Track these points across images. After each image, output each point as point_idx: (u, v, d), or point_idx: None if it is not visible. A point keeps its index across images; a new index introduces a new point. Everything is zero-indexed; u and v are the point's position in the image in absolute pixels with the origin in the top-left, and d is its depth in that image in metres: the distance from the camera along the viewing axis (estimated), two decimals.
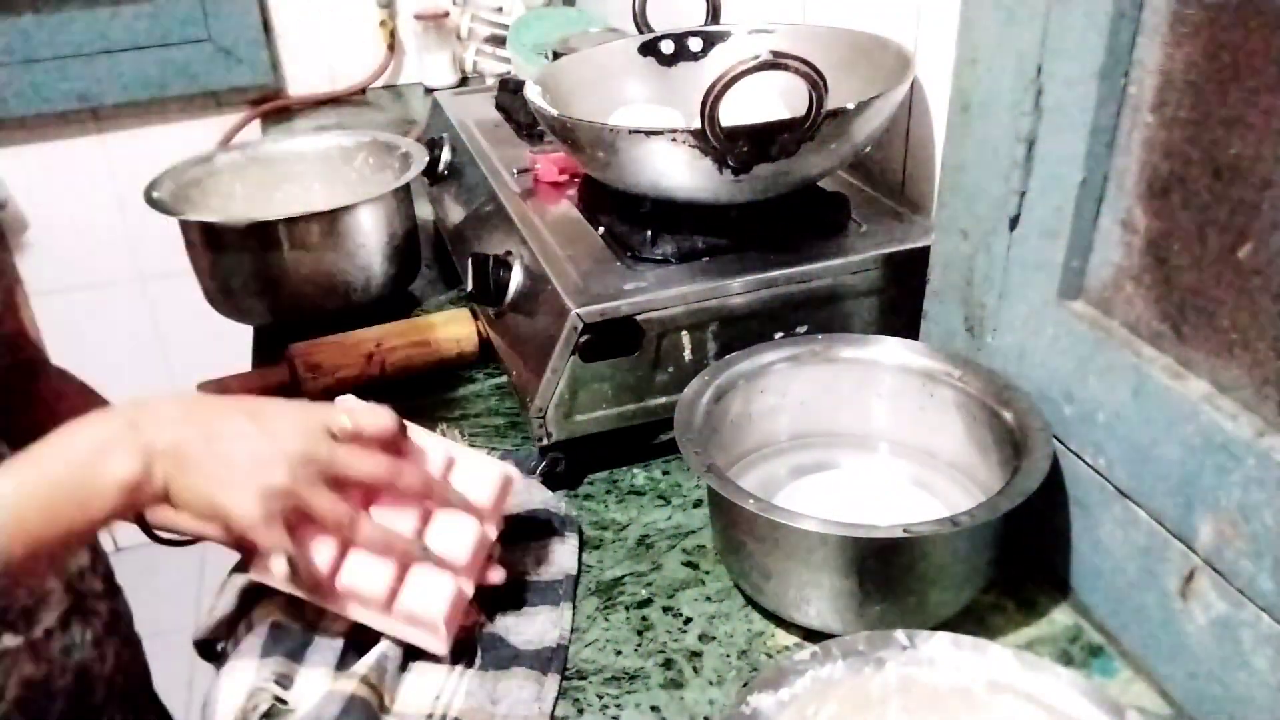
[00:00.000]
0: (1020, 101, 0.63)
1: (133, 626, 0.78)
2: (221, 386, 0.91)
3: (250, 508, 0.54)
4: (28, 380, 0.76)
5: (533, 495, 0.75)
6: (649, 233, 0.82)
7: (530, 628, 0.65)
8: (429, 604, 0.61)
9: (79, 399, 0.76)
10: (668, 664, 0.64)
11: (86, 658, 0.70)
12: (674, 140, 0.74)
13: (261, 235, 0.97)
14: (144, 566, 1.26)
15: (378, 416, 0.59)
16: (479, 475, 0.64)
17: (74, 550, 0.55)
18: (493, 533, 0.66)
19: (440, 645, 0.62)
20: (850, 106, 0.75)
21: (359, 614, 0.63)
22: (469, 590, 0.64)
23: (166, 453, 0.53)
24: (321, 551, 0.59)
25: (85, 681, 0.69)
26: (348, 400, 0.61)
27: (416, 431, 0.64)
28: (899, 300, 0.81)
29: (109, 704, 0.70)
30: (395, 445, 0.61)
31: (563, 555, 0.71)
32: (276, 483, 0.55)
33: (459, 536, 0.63)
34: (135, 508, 0.54)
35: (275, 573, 0.58)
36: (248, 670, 0.63)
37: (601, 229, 0.87)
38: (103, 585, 0.74)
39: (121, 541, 1.89)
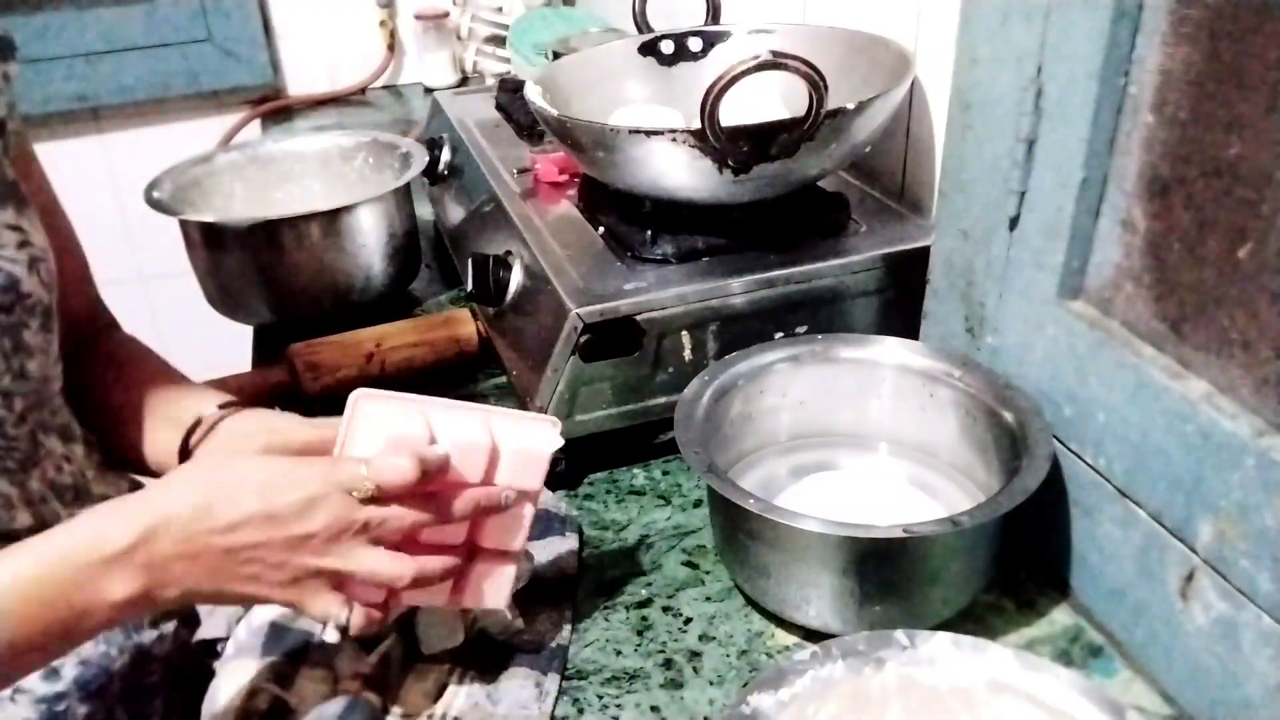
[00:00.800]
0: (1020, 101, 0.63)
1: (193, 605, 0.78)
2: (222, 386, 0.90)
3: (288, 597, 0.53)
4: (98, 339, 0.78)
5: None
6: (649, 233, 0.82)
7: (530, 628, 0.65)
8: (493, 597, 0.60)
9: (142, 362, 0.77)
10: (668, 664, 0.64)
11: (145, 639, 0.70)
12: (674, 140, 0.74)
13: (261, 235, 0.97)
14: None
15: (399, 471, 0.53)
16: (525, 452, 0.59)
17: (63, 653, 0.53)
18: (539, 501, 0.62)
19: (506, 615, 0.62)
20: (850, 106, 0.75)
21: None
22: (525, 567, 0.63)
23: (179, 563, 0.51)
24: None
25: (141, 662, 0.70)
26: (376, 460, 0.54)
27: (449, 411, 0.58)
28: (899, 300, 0.81)
29: (164, 683, 0.71)
30: (427, 492, 0.55)
31: (563, 555, 0.71)
32: (307, 567, 0.52)
33: (513, 528, 0.59)
34: (137, 618, 0.54)
35: (328, 635, 0.54)
36: (248, 670, 0.63)
37: (601, 229, 0.87)
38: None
39: None
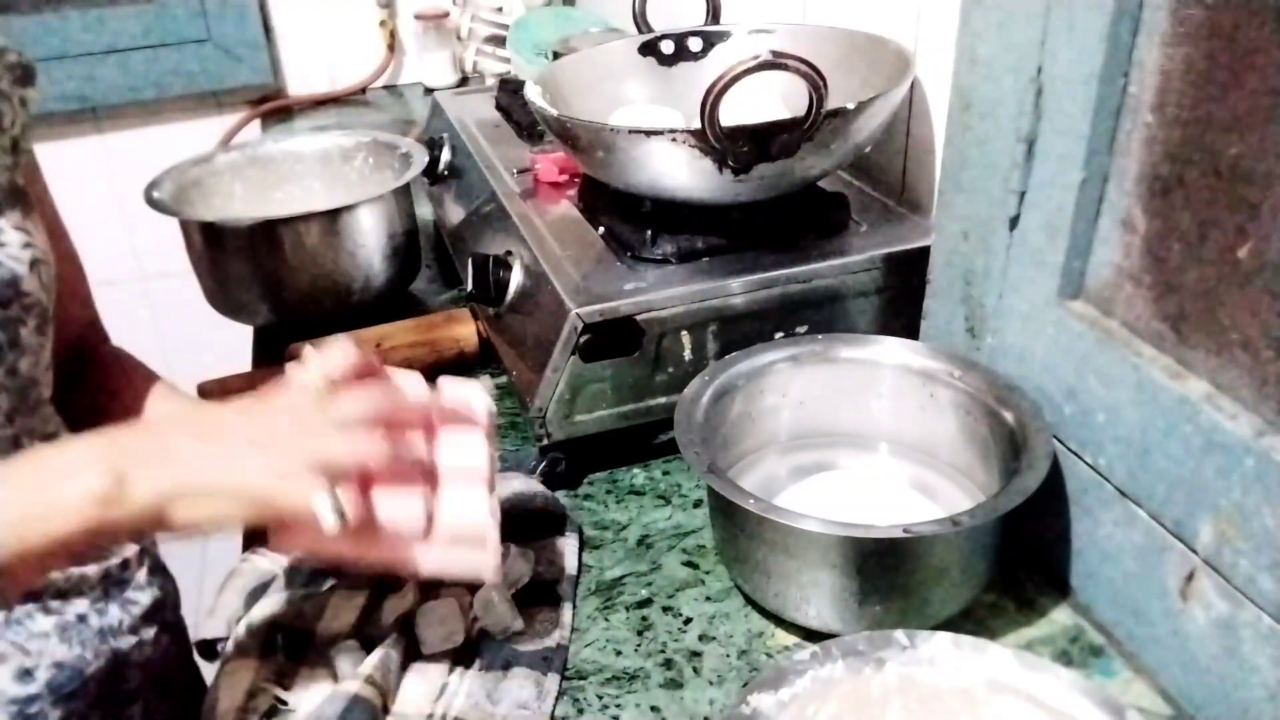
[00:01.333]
0: (1020, 101, 0.63)
1: (178, 611, 0.78)
2: (222, 386, 0.91)
3: (270, 472, 0.51)
4: (94, 355, 0.79)
5: (533, 497, 0.75)
6: (649, 233, 0.82)
7: (530, 628, 0.65)
8: (472, 514, 0.56)
9: (133, 374, 0.77)
10: (668, 664, 0.64)
11: (122, 644, 0.70)
12: (674, 140, 0.74)
13: (261, 235, 0.97)
14: None
15: (342, 354, 0.55)
16: (463, 395, 0.60)
17: (46, 567, 0.53)
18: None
19: (491, 560, 0.57)
20: (850, 106, 0.75)
21: (401, 553, 0.56)
22: (496, 507, 0.59)
23: (146, 458, 0.50)
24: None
25: (118, 668, 0.69)
26: (308, 352, 0.57)
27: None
28: (899, 300, 0.81)
29: (143, 689, 0.71)
30: (372, 376, 0.57)
31: (563, 555, 0.71)
32: (286, 454, 0.51)
33: (471, 448, 0.58)
34: (113, 524, 0.50)
35: (325, 521, 0.50)
36: (248, 670, 0.63)
37: (601, 229, 0.87)
38: (147, 575, 0.74)
39: None
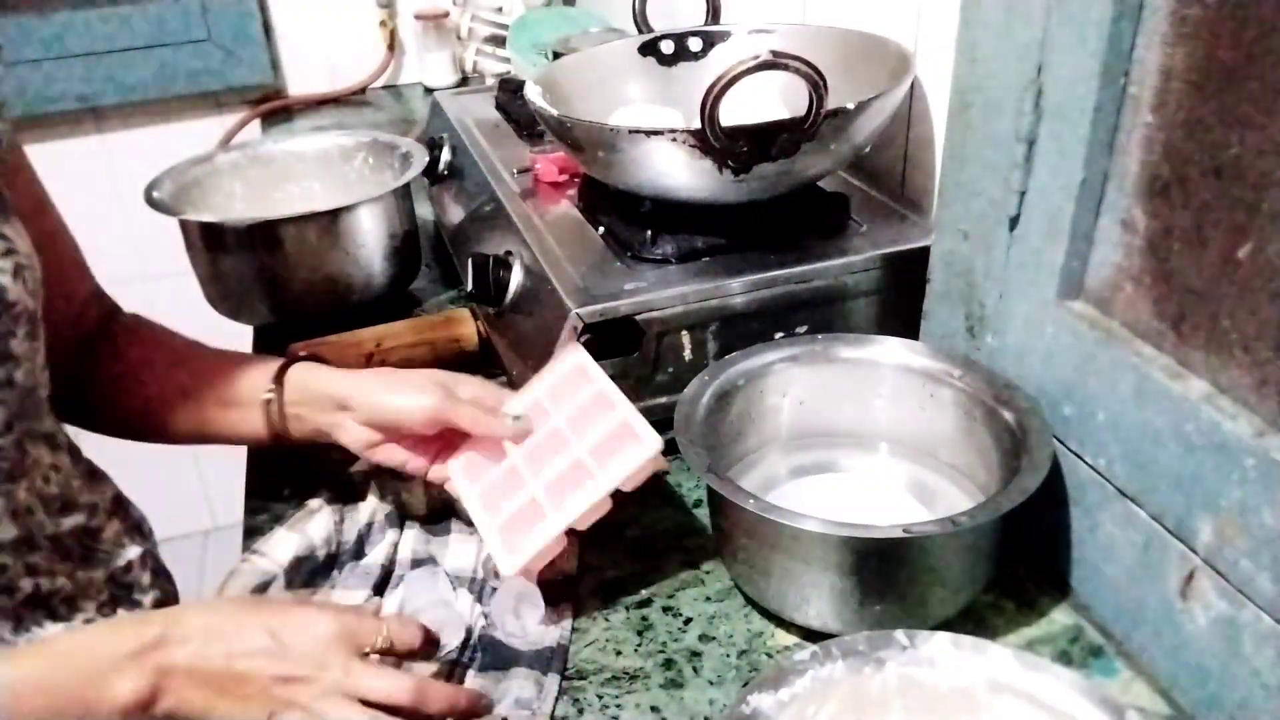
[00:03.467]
0: (1020, 101, 0.63)
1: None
2: None
3: None
4: (108, 330, 0.80)
5: None
6: (649, 233, 0.82)
7: (529, 628, 0.65)
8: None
9: (161, 346, 0.80)
10: (668, 664, 0.64)
11: None
12: (674, 140, 0.74)
13: (261, 235, 0.97)
14: None
15: (410, 635, 0.59)
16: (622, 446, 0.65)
17: None
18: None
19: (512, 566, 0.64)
20: (850, 106, 0.75)
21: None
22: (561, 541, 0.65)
23: (182, 674, 0.54)
24: None
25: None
26: (390, 620, 0.60)
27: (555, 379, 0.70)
28: (899, 300, 0.81)
29: None
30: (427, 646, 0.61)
31: (563, 555, 0.71)
32: (288, 700, 0.55)
33: (576, 496, 0.65)
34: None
35: None
36: None
37: (601, 229, 0.87)
38: (150, 577, 0.75)
39: None
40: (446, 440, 0.73)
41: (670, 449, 0.70)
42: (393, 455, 0.72)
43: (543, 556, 0.65)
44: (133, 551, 0.73)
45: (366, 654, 0.57)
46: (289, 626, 0.56)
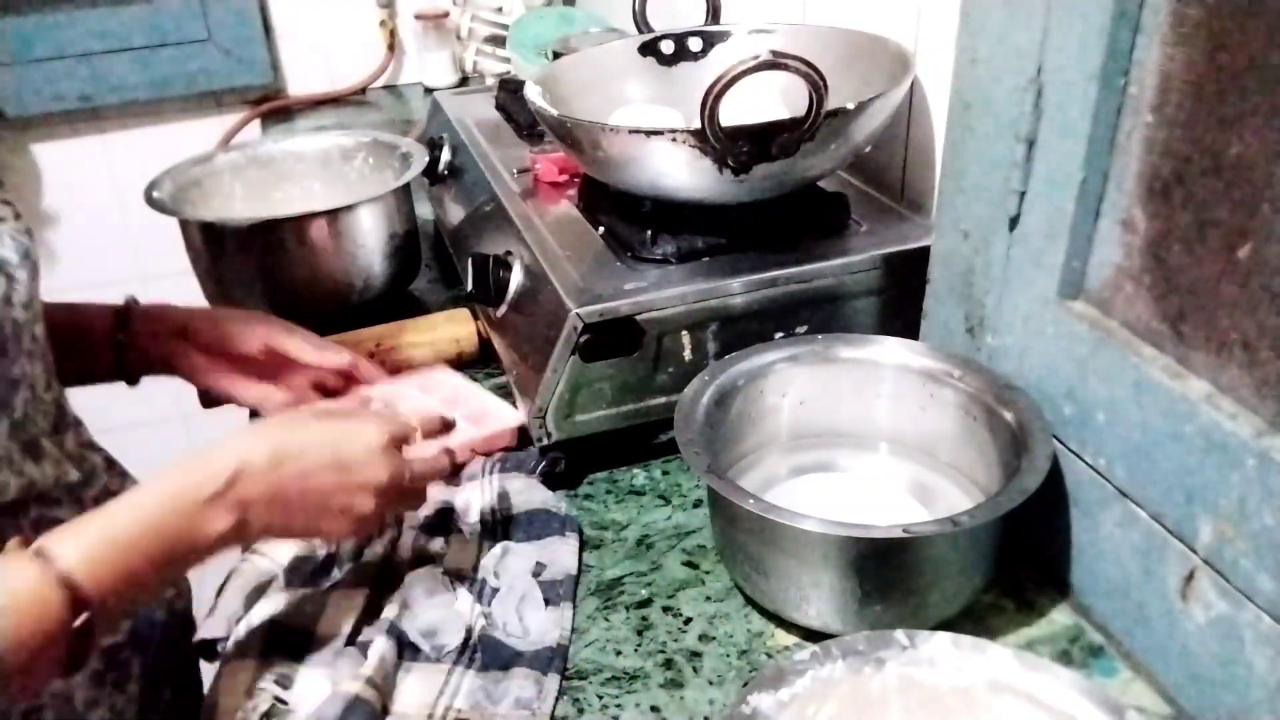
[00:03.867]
0: (1020, 101, 0.63)
1: (188, 600, 0.83)
2: None
3: (345, 531, 0.64)
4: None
5: (533, 495, 0.75)
6: (649, 233, 0.82)
7: (530, 628, 0.65)
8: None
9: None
10: (668, 664, 0.64)
11: (168, 593, 0.76)
12: (674, 140, 0.74)
13: (261, 235, 0.97)
14: None
15: (432, 422, 0.72)
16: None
17: (173, 583, 0.63)
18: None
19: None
20: (850, 106, 0.75)
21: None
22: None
23: (262, 502, 0.59)
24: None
25: (173, 618, 0.75)
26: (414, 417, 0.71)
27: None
28: (899, 300, 0.81)
29: (143, 670, 0.73)
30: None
31: (563, 555, 0.71)
32: (365, 512, 0.63)
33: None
34: (233, 548, 0.61)
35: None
36: (247, 670, 0.63)
37: (601, 229, 0.87)
38: None
39: None
40: (280, 378, 0.84)
41: (670, 449, 0.70)
42: (228, 384, 0.82)
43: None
44: None
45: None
46: (347, 439, 0.63)
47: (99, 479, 0.72)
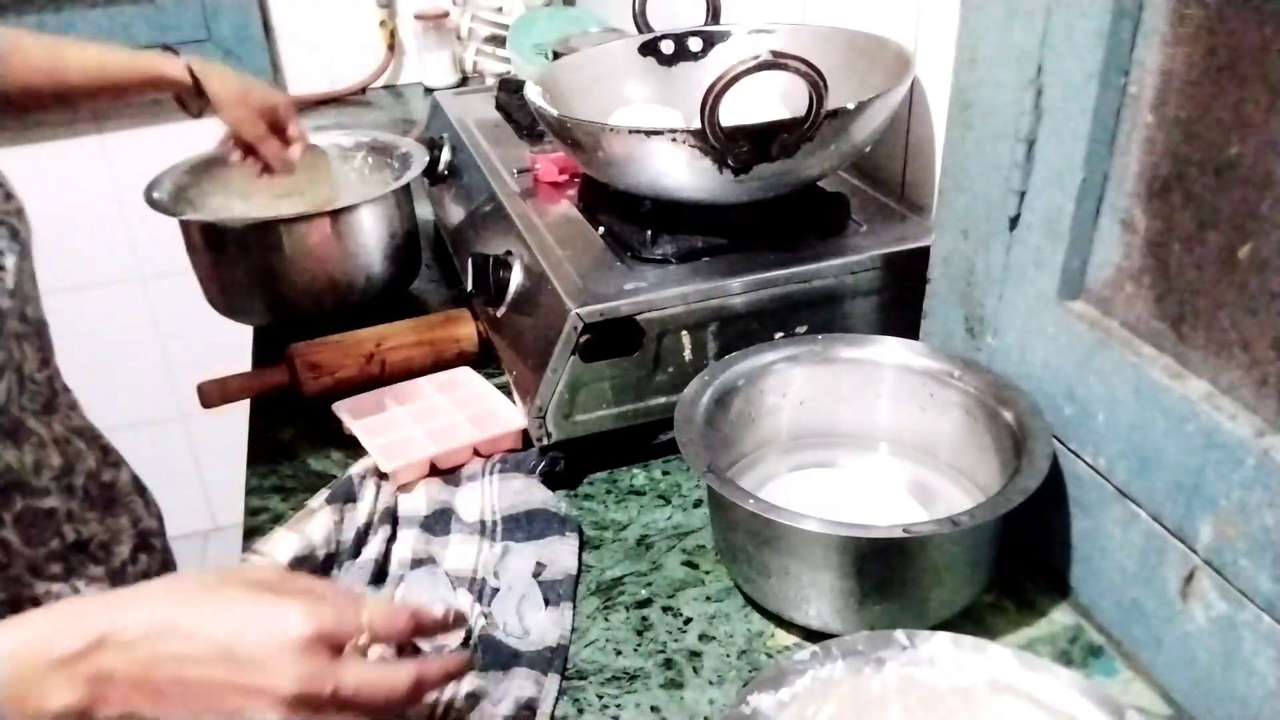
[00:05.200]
0: (1020, 101, 0.63)
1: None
2: (222, 386, 0.91)
3: None
4: None
5: (533, 495, 0.75)
6: (649, 233, 0.82)
7: (530, 628, 0.65)
8: None
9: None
10: (668, 664, 0.64)
11: None
12: (674, 140, 0.74)
13: (261, 235, 0.97)
14: None
15: (398, 625, 0.51)
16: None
17: None
18: None
19: None
20: (850, 106, 0.75)
21: None
22: None
23: (125, 683, 0.46)
24: None
25: None
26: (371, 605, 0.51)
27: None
28: (899, 300, 0.81)
29: None
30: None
31: (563, 555, 0.71)
32: (241, 712, 0.47)
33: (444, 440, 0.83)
34: None
35: None
36: None
37: (601, 229, 0.87)
38: (157, 524, 0.79)
39: None
40: None
41: (670, 449, 0.70)
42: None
43: (412, 470, 0.80)
44: (139, 508, 0.77)
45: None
46: (255, 622, 0.47)
47: (83, 463, 0.71)
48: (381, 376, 0.93)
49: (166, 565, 0.80)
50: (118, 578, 0.71)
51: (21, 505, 0.64)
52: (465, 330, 0.96)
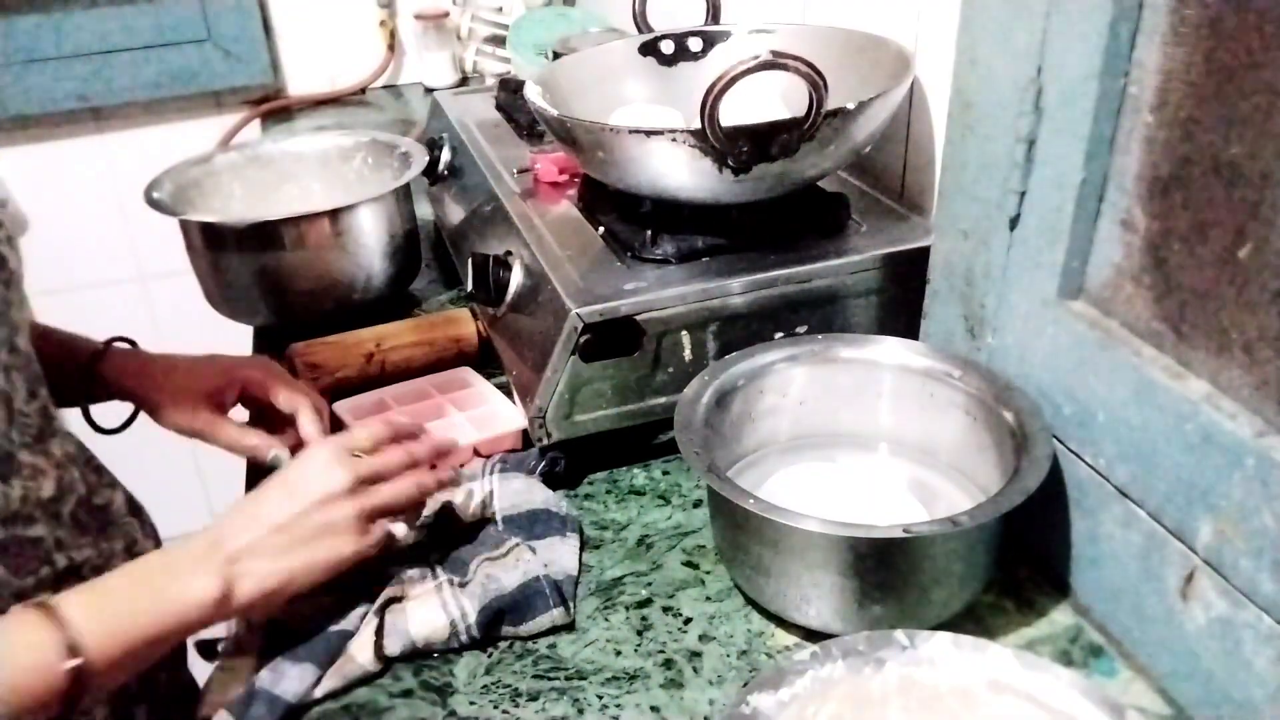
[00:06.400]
0: (1020, 101, 0.63)
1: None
2: None
3: (347, 546, 0.63)
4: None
5: (533, 495, 0.75)
6: (649, 233, 0.82)
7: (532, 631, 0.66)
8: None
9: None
10: (668, 664, 0.64)
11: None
12: (674, 140, 0.74)
13: (261, 235, 0.97)
14: None
15: (379, 428, 0.69)
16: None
17: (156, 657, 0.60)
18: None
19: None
20: (850, 106, 0.75)
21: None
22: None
23: (247, 561, 0.60)
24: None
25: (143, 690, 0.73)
26: (357, 428, 0.71)
27: None
28: (899, 300, 0.81)
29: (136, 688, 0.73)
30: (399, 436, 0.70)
31: (564, 555, 0.71)
32: (346, 516, 0.63)
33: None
34: (223, 616, 0.60)
35: (396, 541, 0.68)
36: (246, 669, 0.63)
37: (601, 229, 0.87)
38: (154, 545, 0.79)
39: None
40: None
41: (670, 449, 0.70)
42: (203, 425, 0.83)
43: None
44: (134, 529, 0.76)
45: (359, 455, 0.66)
46: (295, 470, 0.65)
47: (75, 491, 0.70)
48: (381, 376, 0.93)
49: None
50: None
51: (5, 535, 0.63)
52: (465, 330, 0.96)
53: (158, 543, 0.80)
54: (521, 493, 0.75)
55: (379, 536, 0.65)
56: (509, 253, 0.88)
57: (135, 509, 0.78)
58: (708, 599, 0.69)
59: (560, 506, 0.75)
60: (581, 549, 0.73)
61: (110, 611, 0.56)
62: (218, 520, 0.63)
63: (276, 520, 0.62)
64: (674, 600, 0.69)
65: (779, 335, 0.79)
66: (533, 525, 0.73)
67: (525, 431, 0.82)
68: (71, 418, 0.77)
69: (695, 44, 1.02)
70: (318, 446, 0.67)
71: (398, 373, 0.93)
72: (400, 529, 0.67)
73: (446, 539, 0.72)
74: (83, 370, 0.83)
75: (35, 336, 0.80)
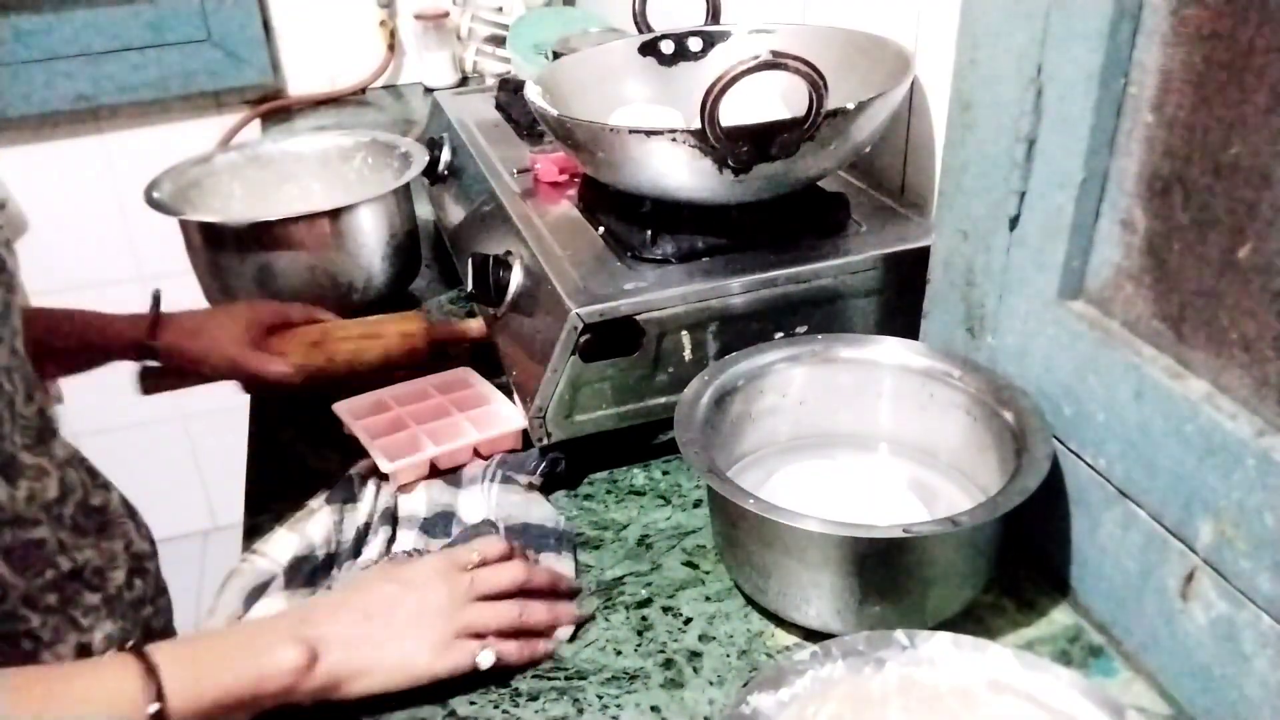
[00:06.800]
0: (1020, 101, 0.63)
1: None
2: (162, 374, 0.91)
3: (430, 657, 0.61)
4: None
5: (530, 510, 0.75)
6: (649, 233, 0.82)
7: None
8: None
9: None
10: (668, 664, 0.64)
11: (146, 613, 0.75)
12: (674, 140, 0.74)
13: (261, 235, 0.97)
14: None
15: (496, 545, 0.68)
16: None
17: (246, 714, 0.61)
18: None
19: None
20: (850, 106, 0.75)
21: None
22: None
23: (332, 640, 0.60)
24: None
25: (150, 639, 0.72)
26: (475, 542, 0.69)
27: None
28: (899, 300, 0.81)
29: None
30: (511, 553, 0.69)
31: (559, 570, 0.71)
32: (441, 629, 0.62)
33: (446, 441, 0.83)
34: (298, 691, 0.59)
35: (481, 667, 0.63)
36: None
37: (601, 229, 0.87)
38: (149, 546, 0.79)
39: None
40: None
41: (670, 449, 0.70)
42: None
43: (411, 470, 0.80)
44: (130, 529, 0.76)
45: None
46: (402, 569, 0.64)
47: (75, 493, 0.70)
48: (329, 368, 0.91)
49: (160, 591, 0.79)
50: (113, 603, 0.70)
51: (10, 538, 0.64)
52: (412, 326, 0.93)
53: (152, 544, 0.79)
54: (519, 505, 0.75)
55: (461, 659, 0.62)
56: (509, 253, 0.88)
57: (130, 510, 0.78)
58: (708, 599, 0.69)
59: (558, 522, 0.74)
60: (578, 561, 0.73)
61: (197, 662, 0.57)
62: (314, 599, 0.65)
63: (369, 597, 0.62)
64: (674, 600, 0.69)
65: (779, 335, 0.79)
66: (527, 540, 0.72)
67: (525, 431, 0.82)
68: (67, 417, 0.77)
69: (695, 44, 1.02)
70: (433, 556, 0.67)
71: (348, 364, 0.91)
72: (488, 658, 0.62)
73: (446, 541, 0.72)
74: (128, 342, 0.88)
75: (49, 321, 0.82)
